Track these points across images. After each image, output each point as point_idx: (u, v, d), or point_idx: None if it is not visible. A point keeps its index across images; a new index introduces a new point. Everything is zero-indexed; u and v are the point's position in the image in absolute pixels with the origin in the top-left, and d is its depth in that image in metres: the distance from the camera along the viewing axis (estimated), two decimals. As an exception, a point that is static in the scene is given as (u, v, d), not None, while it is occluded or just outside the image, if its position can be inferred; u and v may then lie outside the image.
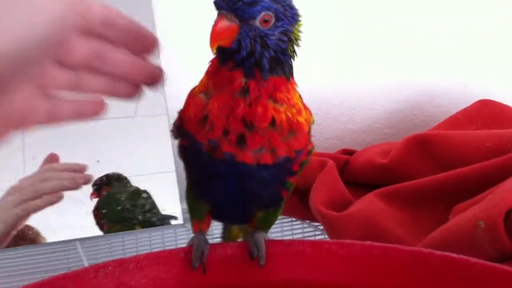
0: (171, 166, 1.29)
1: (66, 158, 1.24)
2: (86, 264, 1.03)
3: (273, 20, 0.62)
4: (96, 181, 1.24)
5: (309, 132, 0.71)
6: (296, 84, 0.69)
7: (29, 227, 1.17)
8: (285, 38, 0.65)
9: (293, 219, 1.27)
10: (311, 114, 0.71)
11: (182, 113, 0.70)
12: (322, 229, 1.19)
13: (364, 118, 1.56)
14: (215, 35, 0.62)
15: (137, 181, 1.29)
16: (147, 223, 1.24)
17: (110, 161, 1.27)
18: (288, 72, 0.66)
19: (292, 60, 0.67)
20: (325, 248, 0.74)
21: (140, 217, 1.23)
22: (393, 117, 1.58)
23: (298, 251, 0.75)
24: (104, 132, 1.26)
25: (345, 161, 1.29)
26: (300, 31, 0.67)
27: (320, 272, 0.73)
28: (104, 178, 1.26)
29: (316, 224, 1.20)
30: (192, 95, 0.70)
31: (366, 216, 0.97)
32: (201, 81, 0.69)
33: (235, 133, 0.65)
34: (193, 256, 0.74)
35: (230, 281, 0.75)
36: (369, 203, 1.01)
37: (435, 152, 1.13)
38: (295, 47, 0.67)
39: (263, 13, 0.61)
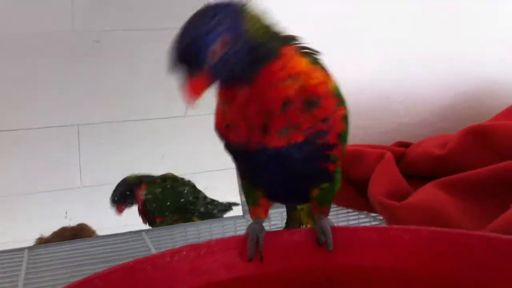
0: (231, 163, 1.33)
1: (134, 154, 1.31)
2: (154, 252, 1.08)
3: (223, 44, 0.62)
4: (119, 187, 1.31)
5: (334, 94, 0.70)
6: (297, 50, 0.69)
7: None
8: (240, 47, 0.63)
9: (349, 210, 1.28)
10: (329, 76, 0.71)
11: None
12: (378, 219, 1.20)
13: (420, 111, 1.55)
14: (189, 97, 0.63)
15: (197, 178, 1.35)
16: (207, 215, 1.29)
17: (173, 158, 1.33)
18: (274, 50, 0.66)
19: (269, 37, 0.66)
20: (390, 234, 0.76)
21: (202, 209, 1.28)
22: (448, 110, 1.58)
23: (364, 237, 0.77)
24: (168, 130, 1.33)
25: (401, 153, 1.29)
26: (254, 14, 0.65)
27: (386, 258, 0.75)
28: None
29: (373, 214, 1.21)
30: (217, 105, 0.75)
31: (427, 205, 0.97)
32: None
33: (257, 126, 0.69)
34: (248, 246, 0.77)
35: (298, 267, 0.77)
36: (429, 193, 1.02)
37: (493, 143, 1.12)
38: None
39: (210, 50, 0.61)
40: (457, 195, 1.02)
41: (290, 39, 0.70)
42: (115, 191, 1.28)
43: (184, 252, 0.76)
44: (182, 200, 1.27)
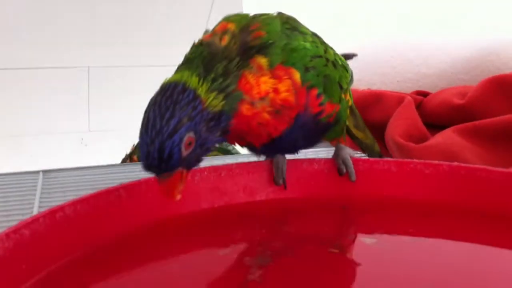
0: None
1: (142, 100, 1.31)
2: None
3: (192, 140, 0.61)
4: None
5: (302, 85, 0.70)
6: (254, 67, 0.67)
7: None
8: (206, 131, 0.63)
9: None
10: (290, 74, 0.69)
11: None
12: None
13: (439, 62, 1.53)
14: (171, 196, 0.63)
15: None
16: (222, 151, 1.30)
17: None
18: (235, 92, 0.65)
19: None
20: (410, 167, 0.76)
21: (217, 145, 1.28)
22: (468, 63, 1.55)
23: (384, 169, 0.78)
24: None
25: (419, 102, 1.29)
26: (211, 93, 0.63)
27: (404, 189, 0.75)
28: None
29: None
30: None
31: (445, 148, 0.98)
32: None
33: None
34: (275, 174, 0.79)
35: (315, 195, 0.78)
36: (448, 137, 1.02)
37: (514, 93, 1.12)
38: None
39: (180, 153, 0.60)
40: (475, 141, 1.03)
41: (244, 56, 0.67)
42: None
43: (206, 173, 0.77)
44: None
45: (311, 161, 0.81)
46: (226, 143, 1.31)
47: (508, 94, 1.12)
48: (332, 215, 0.75)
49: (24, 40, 1.26)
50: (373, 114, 1.19)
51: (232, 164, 0.79)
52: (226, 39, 0.68)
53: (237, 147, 1.32)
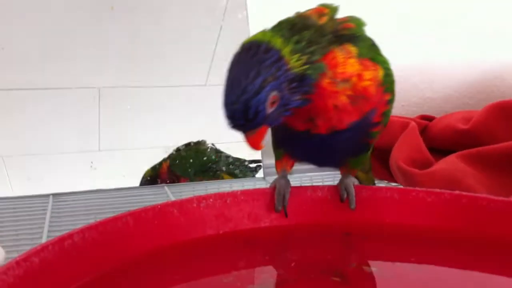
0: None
1: (153, 121, 1.33)
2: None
3: (275, 99, 0.62)
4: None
5: (382, 84, 0.71)
6: (343, 49, 0.67)
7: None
8: (289, 92, 0.63)
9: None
10: (376, 68, 0.70)
11: None
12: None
13: (444, 86, 1.55)
14: (254, 148, 0.66)
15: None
16: (229, 175, 1.31)
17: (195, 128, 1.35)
18: (319, 63, 0.65)
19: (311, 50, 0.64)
20: (412, 195, 0.77)
21: (224, 169, 1.30)
22: (473, 87, 1.57)
23: (386, 197, 0.79)
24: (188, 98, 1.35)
25: (424, 126, 1.30)
26: (294, 54, 0.63)
27: (407, 217, 0.76)
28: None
29: (394, 184, 1.22)
30: None
31: (449, 174, 0.99)
32: None
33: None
34: (276, 200, 0.80)
35: (318, 221, 0.80)
36: (451, 163, 1.03)
37: (518, 119, 1.13)
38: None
39: (265, 111, 0.61)
40: (478, 167, 1.03)
41: (335, 39, 0.68)
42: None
43: (211, 200, 0.78)
44: (204, 158, 1.29)
45: (315, 188, 0.82)
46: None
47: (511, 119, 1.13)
48: (334, 242, 0.76)
49: (35, 61, 1.29)
50: (378, 139, 1.20)
51: (237, 191, 0.80)
52: (324, 19, 0.69)
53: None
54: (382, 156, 1.18)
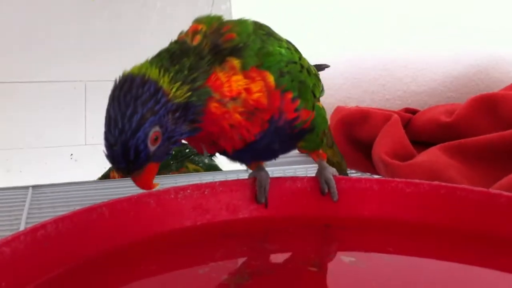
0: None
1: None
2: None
3: (159, 134, 0.60)
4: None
5: (276, 88, 0.69)
6: (226, 67, 0.66)
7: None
8: (171, 124, 0.61)
9: (352, 170, 1.29)
10: (264, 77, 0.68)
11: None
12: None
13: (428, 80, 1.55)
14: (148, 189, 0.64)
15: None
16: (211, 167, 1.31)
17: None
18: (203, 88, 0.63)
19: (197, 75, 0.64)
20: (391, 186, 0.77)
21: (206, 160, 1.30)
22: (458, 81, 1.57)
23: (366, 187, 0.78)
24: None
25: (408, 119, 1.30)
26: (175, 83, 0.61)
27: (386, 208, 0.76)
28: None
29: (376, 176, 1.22)
30: None
31: (430, 166, 0.99)
32: None
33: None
34: (258, 192, 0.79)
35: (298, 213, 0.79)
36: (433, 155, 1.03)
37: (500, 111, 1.13)
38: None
39: (148, 148, 0.59)
40: (460, 159, 1.03)
41: (216, 57, 0.66)
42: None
43: (189, 191, 0.77)
44: (187, 150, 1.29)
45: (294, 179, 0.82)
46: (211, 158, 1.33)
47: (494, 112, 1.13)
48: (313, 234, 0.76)
49: (20, 53, 1.27)
50: (361, 132, 1.20)
51: (215, 182, 0.79)
52: (197, 39, 0.67)
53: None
54: (365, 148, 1.18)
